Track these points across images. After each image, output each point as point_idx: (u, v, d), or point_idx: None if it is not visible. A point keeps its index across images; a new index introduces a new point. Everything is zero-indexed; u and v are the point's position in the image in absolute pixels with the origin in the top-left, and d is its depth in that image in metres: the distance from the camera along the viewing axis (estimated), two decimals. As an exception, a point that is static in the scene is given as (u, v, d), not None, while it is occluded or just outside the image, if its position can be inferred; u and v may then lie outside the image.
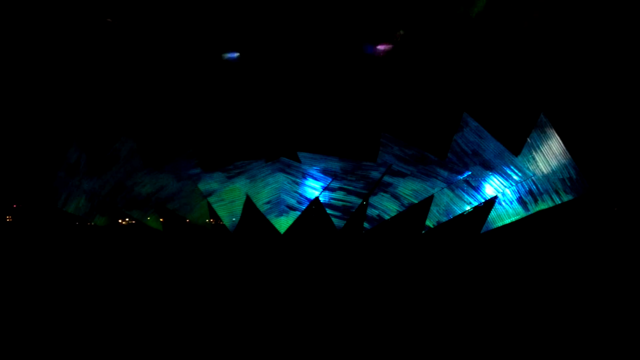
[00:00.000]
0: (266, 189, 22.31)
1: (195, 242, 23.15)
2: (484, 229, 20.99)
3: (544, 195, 20.55)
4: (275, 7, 21.80)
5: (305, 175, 21.99)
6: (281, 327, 9.95)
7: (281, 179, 22.16)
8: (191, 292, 13.04)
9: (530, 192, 20.66)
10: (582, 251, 19.12)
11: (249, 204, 22.45)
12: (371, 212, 21.77)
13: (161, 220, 23.84)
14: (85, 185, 23.23)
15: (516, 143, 20.67)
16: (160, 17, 21.98)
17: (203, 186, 22.61)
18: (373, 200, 21.78)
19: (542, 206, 20.59)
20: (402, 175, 21.44)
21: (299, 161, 21.94)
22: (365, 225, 21.71)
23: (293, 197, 22.20)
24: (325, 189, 21.94)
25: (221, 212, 22.67)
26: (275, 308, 11.36)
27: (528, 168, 20.54)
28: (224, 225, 22.87)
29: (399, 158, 21.40)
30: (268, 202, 22.32)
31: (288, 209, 22.24)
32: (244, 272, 16.29)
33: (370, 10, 22.12)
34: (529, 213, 20.76)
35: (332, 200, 22.00)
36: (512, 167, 20.67)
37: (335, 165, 21.80)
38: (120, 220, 25.88)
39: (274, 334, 9.53)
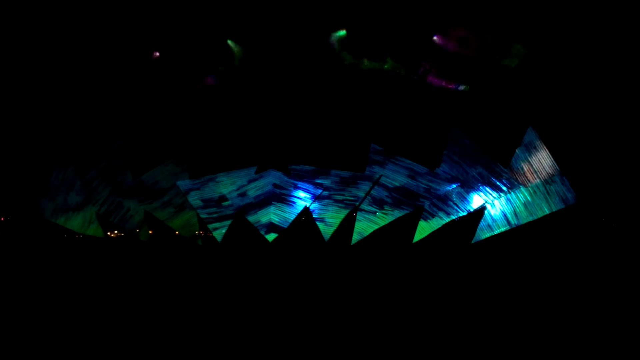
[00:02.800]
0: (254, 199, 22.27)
1: (185, 254, 22.98)
2: (474, 240, 21.01)
3: (533, 205, 20.65)
4: (265, 16, 21.98)
5: (294, 186, 21.98)
6: (271, 338, 9.86)
7: (270, 189, 22.12)
8: (181, 305, 12.92)
9: (520, 203, 20.75)
10: (571, 261, 19.18)
11: (238, 214, 22.38)
12: (360, 223, 21.75)
13: (150, 232, 23.66)
14: (73, 197, 23.07)
15: (505, 154, 20.82)
16: (151, 23, 22.08)
17: (191, 197, 22.48)
18: (362, 211, 21.78)
19: (531, 217, 20.67)
20: (392, 185, 21.48)
21: (289, 172, 21.94)
22: (354, 236, 21.66)
23: (282, 207, 22.16)
24: (314, 200, 21.92)
25: (210, 223, 22.54)
26: (265, 319, 11.27)
27: (517, 179, 20.66)
28: (213, 237, 22.74)
29: (389, 169, 21.46)
30: (256, 212, 22.26)
31: (276, 219, 22.18)
32: (233, 283, 16.19)
33: (361, 23, 22.38)
34: (519, 224, 20.85)
35: (321, 212, 21.97)
36: (500, 178, 20.79)
37: (324, 176, 21.81)
38: (109, 233, 25.64)
39: (264, 346, 9.44)
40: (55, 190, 23.04)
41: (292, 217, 22.16)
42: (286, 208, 22.14)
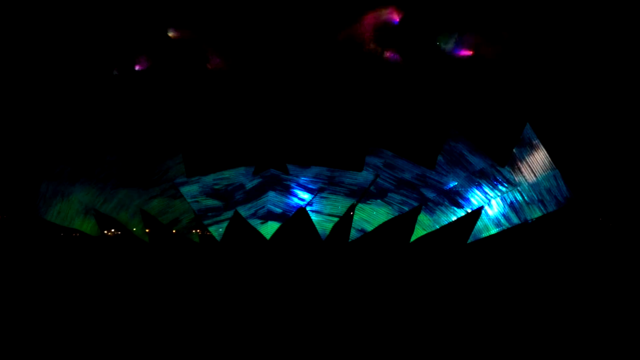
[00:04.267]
0: (252, 198, 22.25)
1: (183, 253, 22.92)
2: (470, 239, 21.02)
3: (530, 205, 20.69)
4: (264, 16, 22.02)
5: (292, 185, 21.97)
6: (268, 336, 9.86)
7: (268, 188, 22.11)
8: (179, 303, 12.90)
9: (517, 203, 20.79)
10: (568, 261, 19.21)
11: (235, 214, 22.36)
12: (357, 221, 21.73)
13: (147, 231, 23.60)
14: (70, 195, 23.03)
15: (502, 154, 20.87)
16: (153, 24, 22.14)
17: (189, 196, 22.43)
18: (359, 209, 21.77)
19: (528, 217, 20.72)
20: (389, 184, 21.49)
21: (287, 171, 21.94)
22: (352, 235, 21.65)
23: (279, 206, 22.14)
24: (312, 199, 21.92)
25: (208, 222, 22.52)
26: (261, 317, 11.27)
27: (514, 179, 20.70)
28: (210, 235, 22.70)
29: (385, 168, 21.46)
30: (254, 212, 22.24)
31: (274, 219, 22.17)
32: (230, 282, 16.17)
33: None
34: (515, 224, 20.90)
35: (318, 210, 21.96)
36: (498, 178, 20.82)
37: (322, 174, 21.82)
38: (106, 231, 25.57)
39: (260, 344, 9.44)
40: (51, 189, 23.01)
41: (289, 214, 22.16)
42: (284, 205, 22.13)
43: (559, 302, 12.29)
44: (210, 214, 22.52)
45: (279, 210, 22.19)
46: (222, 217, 22.48)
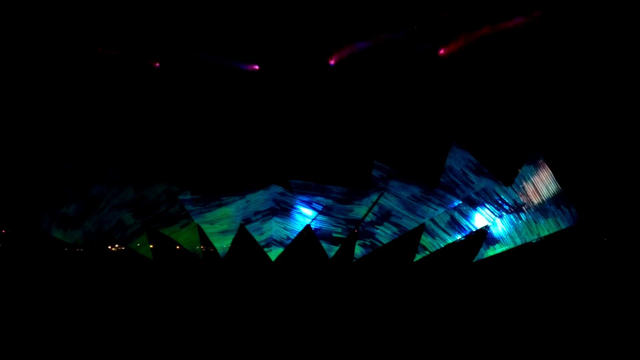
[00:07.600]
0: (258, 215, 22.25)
1: (186, 269, 22.87)
2: (476, 258, 20.92)
3: (535, 225, 20.62)
4: (270, 32, 22.33)
5: (297, 203, 21.97)
6: (272, 355, 9.81)
7: (273, 206, 22.10)
8: (182, 320, 12.85)
9: (522, 223, 20.72)
10: (573, 281, 19.07)
11: (241, 231, 22.34)
12: (363, 239, 21.64)
13: (151, 246, 23.60)
14: (74, 211, 23.11)
15: (507, 173, 20.88)
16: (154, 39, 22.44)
17: (194, 213, 22.44)
18: (364, 228, 21.70)
19: (533, 236, 20.65)
20: (394, 203, 21.44)
21: (292, 189, 21.95)
22: (357, 253, 21.54)
23: (285, 226, 22.12)
24: (316, 216, 21.88)
25: (213, 239, 22.48)
26: (266, 336, 11.21)
27: (519, 198, 20.66)
28: (214, 252, 22.65)
29: (391, 186, 21.45)
30: (260, 231, 22.23)
31: (280, 237, 22.13)
32: (235, 299, 16.10)
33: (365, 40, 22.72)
34: (521, 243, 20.82)
35: (323, 228, 21.90)
36: (503, 198, 20.78)
37: (327, 193, 21.81)
38: (109, 247, 25.61)
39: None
40: (56, 204, 23.10)
41: (294, 234, 22.10)
42: (288, 225, 22.09)
43: (564, 322, 12.20)
44: (213, 230, 22.53)
45: (284, 231, 22.15)
46: (226, 235, 22.48)
